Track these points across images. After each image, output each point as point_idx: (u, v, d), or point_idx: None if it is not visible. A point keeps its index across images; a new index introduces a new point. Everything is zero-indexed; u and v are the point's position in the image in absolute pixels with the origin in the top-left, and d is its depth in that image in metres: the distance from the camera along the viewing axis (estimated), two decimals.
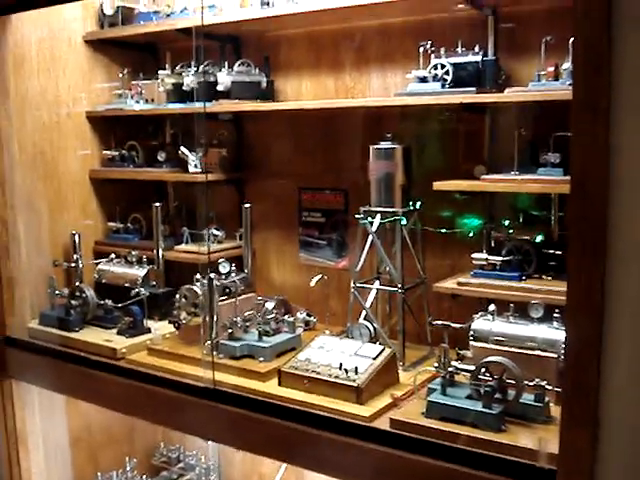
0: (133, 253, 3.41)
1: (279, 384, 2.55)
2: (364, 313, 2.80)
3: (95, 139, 3.70)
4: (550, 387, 2.20)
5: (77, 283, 3.35)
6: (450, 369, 2.30)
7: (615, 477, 1.76)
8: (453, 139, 2.88)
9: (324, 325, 3.06)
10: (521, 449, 2.03)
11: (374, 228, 2.75)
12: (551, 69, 2.49)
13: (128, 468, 3.58)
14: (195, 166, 3.29)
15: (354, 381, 2.40)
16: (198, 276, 2.92)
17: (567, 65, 2.42)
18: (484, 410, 2.17)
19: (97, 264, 3.50)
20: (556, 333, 2.36)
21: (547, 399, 2.21)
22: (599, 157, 1.66)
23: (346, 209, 3.22)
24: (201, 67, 3.26)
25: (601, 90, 1.62)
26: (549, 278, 2.57)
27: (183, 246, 3.48)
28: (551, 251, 2.60)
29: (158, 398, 2.70)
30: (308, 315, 3.04)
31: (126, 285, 3.31)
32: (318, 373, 2.48)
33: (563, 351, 2.25)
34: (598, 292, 1.71)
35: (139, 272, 3.34)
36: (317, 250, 3.33)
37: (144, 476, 3.57)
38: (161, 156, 3.51)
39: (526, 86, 2.55)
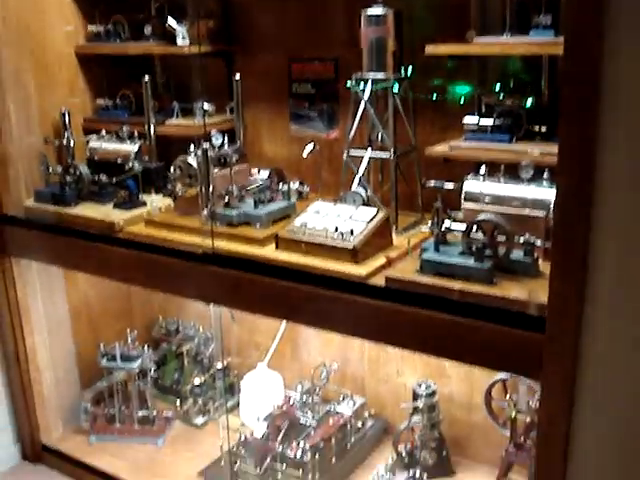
0: (124, 129, 3.40)
1: (276, 248, 2.63)
2: (357, 181, 2.85)
3: (79, 14, 3.62)
4: (539, 243, 2.28)
5: (70, 160, 3.36)
6: (443, 228, 2.38)
7: (602, 318, 1.86)
8: (444, 3, 2.85)
9: (316, 195, 3.12)
10: (512, 300, 2.14)
11: (366, 95, 2.76)
12: None
13: (129, 340, 3.68)
14: (183, 38, 3.25)
15: (350, 242, 2.48)
16: (192, 148, 2.94)
17: None
18: (476, 265, 2.26)
19: (88, 141, 3.49)
20: (545, 193, 2.41)
21: (536, 255, 2.29)
22: (594, 18, 1.67)
23: (337, 79, 3.20)
24: None
25: None
26: (539, 141, 2.61)
27: (174, 120, 3.48)
28: (541, 115, 2.63)
29: (159, 266, 2.78)
30: (301, 184, 3.08)
31: (119, 161, 3.32)
32: (315, 237, 2.55)
33: (552, 209, 2.35)
34: (590, 145, 1.75)
35: (131, 147, 3.34)
36: (308, 122, 3.34)
37: (145, 346, 3.68)
38: (147, 30, 3.45)
39: None
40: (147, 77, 3.30)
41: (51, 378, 3.62)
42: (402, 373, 3.38)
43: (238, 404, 3.70)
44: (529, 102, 2.65)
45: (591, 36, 1.69)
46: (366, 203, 2.77)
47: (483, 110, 2.73)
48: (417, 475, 2.88)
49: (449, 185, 2.48)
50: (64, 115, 3.40)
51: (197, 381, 3.75)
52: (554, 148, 2.17)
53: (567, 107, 1.77)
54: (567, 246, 1.85)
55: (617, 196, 1.76)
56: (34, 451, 3.66)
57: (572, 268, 1.86)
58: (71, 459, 3.56)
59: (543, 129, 2.62)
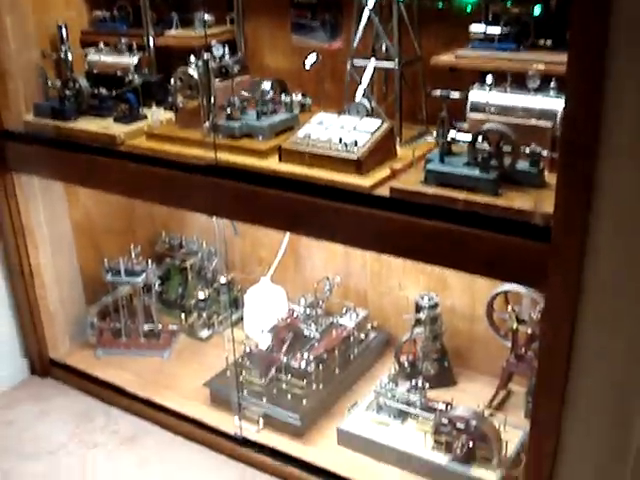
0: (123, 41, 3.32)
1: (280, 160, 2.61)
2: (361, 91, 2.81)
3: None
4: (545, 153, 2.26)
5: (68, 74, 3.30)
6: (448, 138, 2.35)
7: (606, 230, 1.85)
8: None
9: (319, 107, 3.07)
10: (517, 210, 2.13)
11: (370, 3, 2.69)
12: None
13: (133, 255, 3.70)
14: None
15: (354, 154, 2.46)
16: (192, 59, 2.88)
17: None
18: (481, 175, 2.24)
19: (86, 54, 3.43)
20: (552, 102, 2.38)
21: (542, 165, 2.28)
22: None
23: None
24: None
25: None
26: (546, 50, 2.55)
27: (173, 31, 3.41)
28: (549, 23, 2.57)
29: (161, 178, 2.76)
30: (303, 96, 3.04)
31: (118, 74, 3.26)
32: (318, 148, 2.53)
33: (559, 119, 2.32)
34: (601, 52, 1.71)
35: (131, 60, 3.28)
36: (310, 32, 3.26)
37: (149, 261, 3.69)
38: None
39: None
40: None
41: (56, 293, 3.65)
42: (404, 286, 3.40)
43: (242, 318, 3.75)
44: (537, 10, 2.58)
45: None
46: (370, 114, 2.73)
47: (490, 18, 2.66)
48: (419, 384, 2.92)
49: (455, 94, 2.44)
50: (60, 28, 3.32)
51: (201, 295, 3.78)
52: (562, 57, 2.13)
53: (578, 13, 1.72)
54: (574, 155, 1.83)
55: (627, 104, 1.72)
56: (42, 365, 3.72)
57: (578, 178, 1.84)
58: (79, 372, 3.62)
59: (551, 38, 2.56)
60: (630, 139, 1.74)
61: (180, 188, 2.74)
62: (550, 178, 2.26)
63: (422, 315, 3.14)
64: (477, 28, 2.62)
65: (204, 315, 3.80)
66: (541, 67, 2.43)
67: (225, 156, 2.68)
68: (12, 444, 3.25)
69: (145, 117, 3.12)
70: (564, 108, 1.84)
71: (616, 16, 1.66)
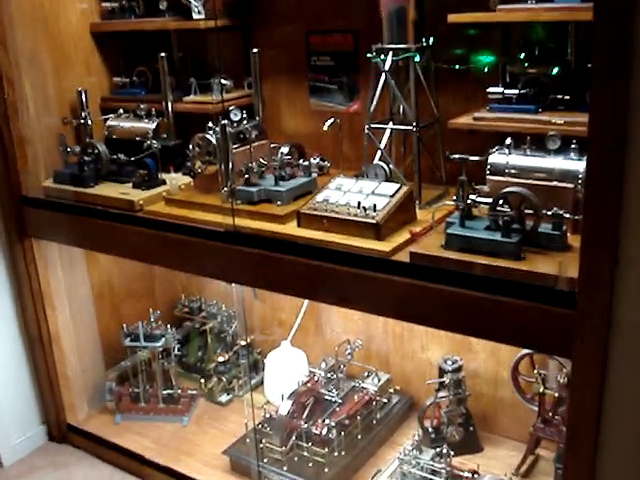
0: (142, 106, 3.35)
1: (298, 225, 2.58)
2: (379, 154, 2.80)
3: None
4: (568, 215, 2.22)
5: (88, 140, 3.33)
6: (468, 202, 2.32)
7: (635, 293, 1.81)
8: None
9: (338, 170, 3.05)
10: (540, 275, 2.08)
11: (387, 66, 2.69)
12: None
13: (152, 319, 3.67)
14: (199, 12, 3.19)
15: (373, 218, 2.43)
16: (210, 125, 2.89)
17: None
18: (503, 239, 2.20)
19: (106, 120, 3.46)
20: (573, 164, 2.35)
21: (564, 228, 2.23)
22: None
23: (356, 51, 3.13)
24: None
25: None
26: (565, 111, 2.53)
27: (192, 97, 3.43)
28: (568, 83, 2.56)
29: (180, 245, 2.75)
30: (321, 160, 3.03)
31: (137, 139, 3.28)
32: (337, 213, 2.51)
33: (580, 181, 2.29)
34: (621, 119, 1.69)
35: (149, 125, 3.30)
36: (327, 95, 3.28)
37: (168, 325, 3.67)
38: (162, 4, 3.38)
39: None
40: (163, 54, 3.25)
41: (75, 359, 3.63)
42: (427, 348, 3.34)
43: (262, 382, 3.69)
44: (555, 70, 2.57)
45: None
46: (388, 177, 2.71)
47: (507, 80, 2.66)
48: (444, 451, 2.84)
49: (474, 158, 2.41)
50: (81, 94, 3.36)
51: (221, 359, 3.74)
52: (582, 117, 2.12)
53: (598, 74, 1.71)
54: (598, 218, 1.80)
55: None
56: (60, 431, 3.68)
57: (603, 241, 1.80)
58: (97, 438, 3.57)
59: (570, 98, 2.55)
60: None
61: (198, 255, 2.72)
62: (573, 240, 2.22)
63: (446, 379, 3.07)
64: (495, 90, 2.60)
65: (224, 379, 3.75)
66: (561, 127, 2.42)
67: (243, 221, 2.67)
68: None
69: (164, 182, 3.13)
70: (586, 172, 1.81)
71: (636, 79, 1.65)
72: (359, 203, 2.48)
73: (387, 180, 2.69)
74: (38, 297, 3.41)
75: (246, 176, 2.77)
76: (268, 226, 2.63)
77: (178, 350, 3.75)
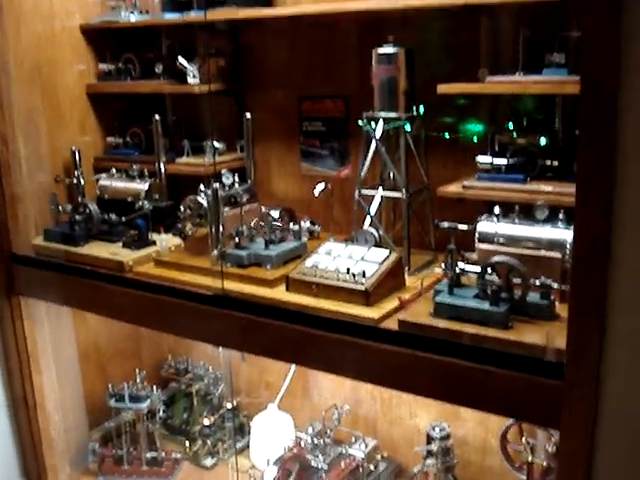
0: (134, 167, 3.38)
1: (287, 290, 2.58)
2: (369, 220, 2.82)
3: (90, 53, 3.63)
4: (556, 285, 2.23)
5: (80, 199, 3.35)
6: (457, 270, 2.33)
7: (623, 363, 1.80)
8: (455, 42, 2.83)
9: (328, 234, 3.06)
10: (528, 345, 2.08)
11: (377, 134, 2.74)
12: None
13: (138, 380, 3.63)
14: (193, 77, 3.24)
15: (362, 285, 2.43)
16: (202, 187, 2.91)
17: None
18: (491, 308, 2.21)
19: (98, 180, 3.49)
20: (561, 233, 2.37)
21: (552, 297, 2.24)
22: (610, 52, 1.64)
23: (347, 117, 3.19)
24: None
25: None
26: (553, 181, 2.56)
27: (184, 159, 3.46)
28: (555, 153, 2.60)
29: (167, 307, 2.73)
30: (312, 224, 3.05)
31: (129, 199, 3.31)
32: (326, 278, 2.51)
33: (568, 251, 2.31)
34: (607, 190, 1.71)
35: (141, 186, 3.33)
36: (319, 160, 3.32)
37: (154, 387, 3.63)
38: (158, 68, 3.45)
39: None
40: (157, 116, 3.28)
41: (59, 418, 3.57)
42: (415, 415, 3.31)
43: (248, 445, 3.64)
44: (543, 141, 2.62)
45: (608, 77, 1.66)
46: (378, 243, 2.73)
47: (496, 149, 2.69)
48: None
49: (462, 227, 2.44)
50: (74, 153, 3.38)
51: (206, 422, 3.69)
52: (570, 187, 2.14)
53: (584, 149, 1.74)
54: (585, 289, 1.80)
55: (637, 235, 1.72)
56: None
57: (591, 312, 1.80)
58: None
59: (558, 168, 2.58)
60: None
61: (186, 318, 2.71)
62: (561, 309, 2.22)
63: (433, 446, 3.03)
64: (484, 159, 2.64)
65: (209, 442, 3.69)
66: (549, 197, 2.45)
67: (233, 285, 2.67)
68: None
69: (154, 243, 3.13)
70: (572, 243, 1.83)
71: (622, 152, 1.67)
72: (348, 269, 2.49)
73: (377, 246, 2.71)
74: (24, 356, 3.37)
75: (236, 239, 2.78)
76: (257, 290, 2.62)
77: (163, 412, 3.70)
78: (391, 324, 2.33)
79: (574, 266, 1.83)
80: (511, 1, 2.49)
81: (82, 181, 3.39)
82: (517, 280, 2.24)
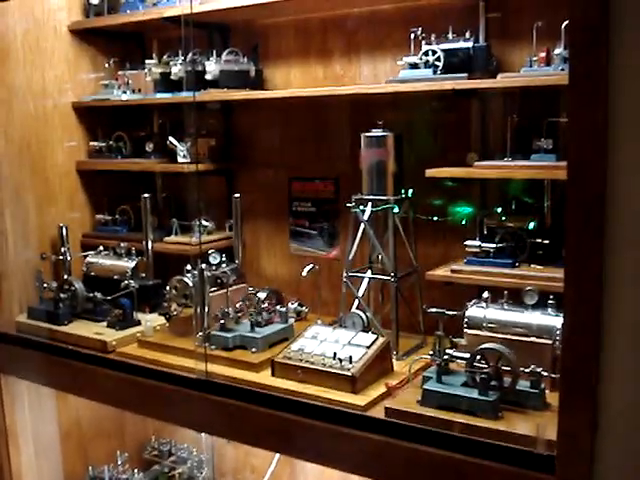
0: (122, 245, 3.36)
1: (272, 375, 2.53)
2: (357, 302, 2.79)
3: (82, 130, 3.66)
4: (546, 373, 2.19)
5: (65, 276, 3.31)
6: (445, 357, 2.29)
7: (614, 461, 1.75)
8: (444, 126, 2.85)
9: (316, 315, 3.04)
10: (519, 436, 2.02)
11: (366, 216, 2.73)
12: (543, 54, 2.47)
13: (119, 462, 3.54)
14: (184, 156, 3.26)
15: (348, 370, 2.38)
16: (188, 267, 2.89)
17: (559, 50, 2.41)
18: (480, 397, 2.15)
19: (85, 257, 3.46)
20: (551, 319, 2.34)
21: (543, 386, 2.20)
22: (597, 143, 1.65)
23: (337, 198, 3.19)
24: (189, 56, 3.22)
25: (598, 75, 1.60)
26: (542, 265, 2.55)
27: (172, 237, 3.44)
28: (544, 238, 2.59)
29: (150, 391, 2.67)
30: (300, 305, 3.02)
31: (115, 277, 3.27)
32: (312, 363, 2.46)
33: (558, 337, 2.28)
34: (596, 279, 1.69)
35: (128, 264, 3.30)
36: (308, 240, 3.31)
37: (136, 470, 3.53)
38: (149, 147, 3.47)
39: (518, 72, 2.53)
40: (146, 195, 3.29)
41: None
42: None
43: None
44: (532, 225, 2.61)
45: (595, 165, 1.65)
46: (366, 326, 2.69)
47: (485, 232, 2.69)
48: None
49: (451, 313, 2.40)
50: (62, 230, 3.37)
51: None
52: (559, 272, 2.12)
53: (572, 239, 1.72)
54: (576, 383, 1.76)
55: (624, 333, 1.69)
56: None
57: (582, 407, 1.76)
58: None
59: (547, 251, 2.57)
60: (630, 366, 1.69)
61: (170, 403, 2.64)
62: (552, 398, 2.17)
63: None
64: (472, 243, 2.62)
65: None
66: (538, 283, 2.42)
67: (217, 368, 2.61)
68: None
69: (139, 322, 3.08)
70: (563, 336, 1.80)
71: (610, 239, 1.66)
72: (335, 354, 2.44)
73: (364, 329, 2.66)
74: (2, 434, 3.28)
75: (222, 321, 2.74)
76: (242, 374, 2.57)
77: None
78: (378, 411, 2.27)
79: (563, 360, 1.79)
80: (499, 88, 2.52)
81: (68, 258, 3.37)
82: (507, 367, 2.19)
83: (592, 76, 1.61)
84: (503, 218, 2.67)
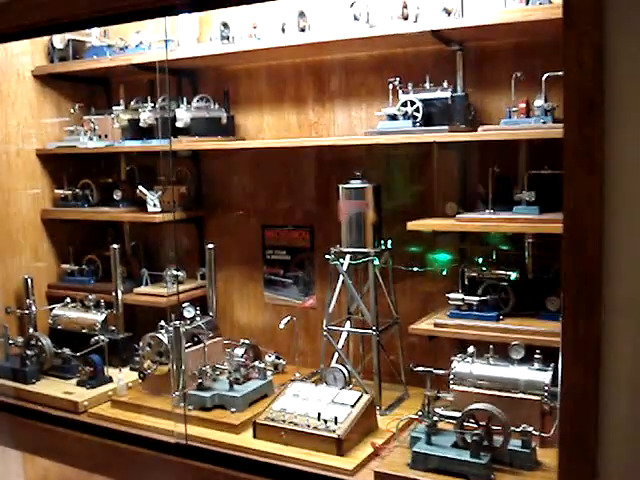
0: (90, 297, 3.24)
1: (254, 436, 2.44)
2: (337, 356, 2.72)
3: (46, 177, 3.55)
4: (537, 433, 2.15)
5: (31, 331, 3.19)
6: (434, 418, 2.23)
7: None
8: (423, 176, 2.83)
9: (294, 367, 2.97)
10: None
11: (344, 268, 2.67)
12: (522, 105, 2.45)
13: None
14: (154, 205, 3.16)
15: (334, 432, 2.31)
16: (162, 323, 2.79)
17: (540, 102, 2.39)
18: (472, 460, 2.10)
19: (52, 309, 3.34)
20: (538, 375, 2.31)
21: (534, 445, 2.15)
22: (592, 205, 1.61)
23: (312, 246, 3.13)
24: (158, 102, 3.14)
25: (594, 138, 1.57)
26: (525, 317, 2.51)
27: (143, 288, 3.33)
28: (526, 289, 2.56)
29: (124, 455, 2.56)
30: (277, 358, 2.95)
31: (84, 331, 3.16)
32: (295, 424, 2.38)
33: (547, 392, 2.24)
34: (594, 343, 1.65)
35: (97, 317, 3.19)
36: (282, 289, 3.23)
37: None
38: (117, 195, 3.37)
39: (497, 122, 2.50)
40: (115, 245, 3.19)
41: None
42: None
43: None
44: (513, 275, 2.57)
45: (592, 230, 1.62)
46: (347, 380, 2.61)
47: (467, 283, 2.64)
48: None
49: (438, 372, 2.34)
50: (27, 282, 3.25)
51: None
52: (543, 325, 2.09)
53: (569, 302, 1.68)
54: (574, 449, 1.72)
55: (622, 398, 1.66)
56: None
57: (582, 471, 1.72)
58: None
59: (529, 304, 2.54)
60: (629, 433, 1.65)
61: (146, 468, 2.53)
62: (542, 455, 2.14)
63: None
64: (455, 296, 2.58)
65: None
66: (523, 337, 2.39)
67: (195, 429, 2.52)
68: None
69: (110, 380, 2.96)
70: (561, 402, 1.75)
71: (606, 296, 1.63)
72: (319, 414, 2.36)
73: (346, 383, 2.59)
74: None
75: (199, 380, 2.64)
76: (222, 436, 2.47)
77: None
78: (366, 475, 2.20)
79: (561, 426, 1.75)
80: (479, 139, 2.49)
81: (34, 311, 3.24)
82: (497, 427, 2.14)
83: (588, 143, 1.58)
84: (484, 269, 2.62)
